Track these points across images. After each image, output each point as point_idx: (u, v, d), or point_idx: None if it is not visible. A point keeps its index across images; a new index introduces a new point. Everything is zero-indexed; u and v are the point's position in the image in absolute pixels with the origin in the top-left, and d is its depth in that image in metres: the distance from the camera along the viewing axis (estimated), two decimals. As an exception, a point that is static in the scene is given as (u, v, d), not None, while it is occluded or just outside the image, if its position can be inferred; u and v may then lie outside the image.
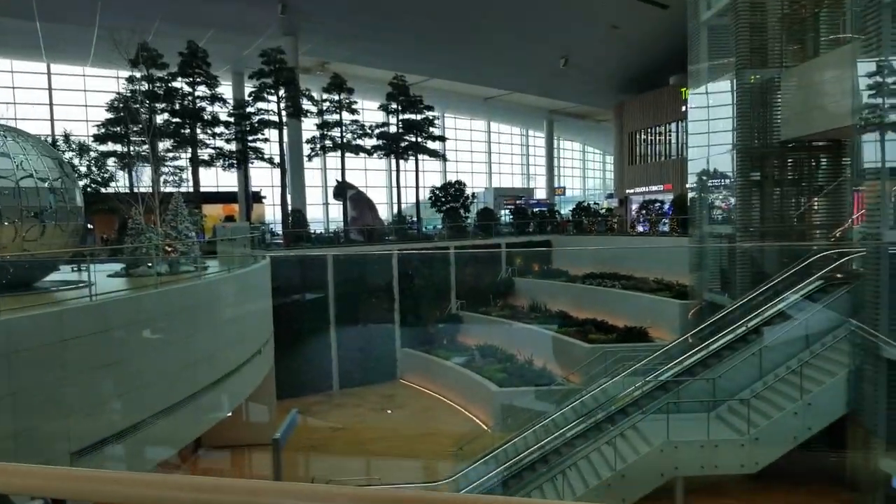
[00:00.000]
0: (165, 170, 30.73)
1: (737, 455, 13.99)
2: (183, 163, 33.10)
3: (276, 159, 36.42)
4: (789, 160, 19.67)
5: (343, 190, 37.78)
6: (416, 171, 39.30)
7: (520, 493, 16.27)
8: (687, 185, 26.93)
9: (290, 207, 39.16)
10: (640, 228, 38.38)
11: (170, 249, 17.91)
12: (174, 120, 32.43)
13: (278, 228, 38.48)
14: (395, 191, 41.28)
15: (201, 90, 33.31)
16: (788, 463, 17.19)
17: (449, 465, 20.42)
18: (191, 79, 32.68)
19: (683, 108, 35.57)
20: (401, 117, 38.40)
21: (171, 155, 32.22)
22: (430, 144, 38.71)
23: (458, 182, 39.31)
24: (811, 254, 17.22)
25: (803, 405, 13.87)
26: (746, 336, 16.77)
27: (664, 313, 24.40)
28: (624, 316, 26.19)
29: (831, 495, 16.39)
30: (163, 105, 31.97)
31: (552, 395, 21.36)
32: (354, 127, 37.49)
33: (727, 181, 20.92)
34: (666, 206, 36.50)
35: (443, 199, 38.74)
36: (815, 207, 19.67)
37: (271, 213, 42.57)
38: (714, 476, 14.97)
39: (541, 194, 63.90)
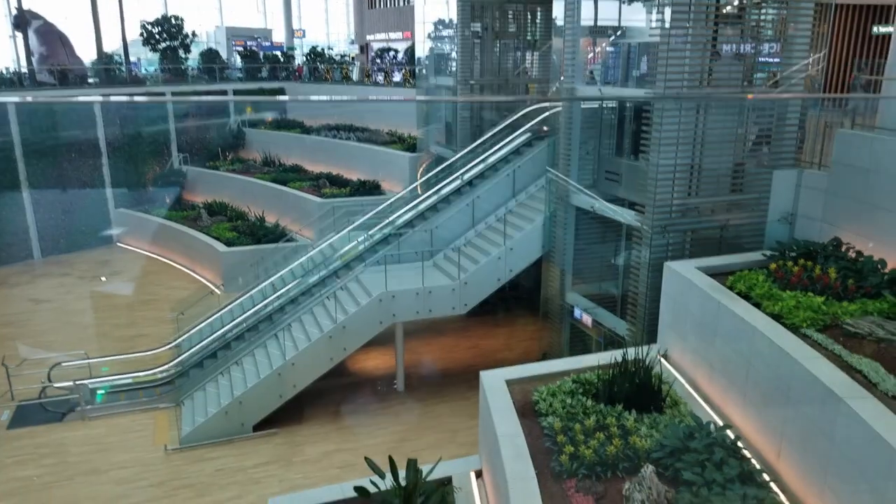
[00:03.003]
0: None
1: (449, 299, 14.91)
2: None
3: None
4: (509, 13, 20.03)
5: (24, 20, 30.72)
6: (121, -1, 33.27)
7: (243, 352, 15.84)
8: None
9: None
10: (378, 78, 37.62)
11: None
12: None
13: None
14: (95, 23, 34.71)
15: None
16: (495, 299, 19.06)
17: (170, 330, 19.21)
18: None
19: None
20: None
21: None
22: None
23: (175, 17, 34.23)
24: (523, 107, 18.14)
25: (506, 250, 15.03)
26: (462, 188, 17.51)
27: (396, 166, 24.59)
28: (358, 169, 25.95)
29: (528, 324, 18.72)
30: None
31: (283, 252, 20.76)
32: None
33: (451, 32, 20.80)
34: (400, 56, 35.89)
35: (157, 37, 33.63)
36: (531, 62, 20.59)
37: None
38: (430, 319, 15.98)
39: (280, 37, 59.09)
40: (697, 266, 10.37)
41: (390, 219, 17.64)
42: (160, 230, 26.77)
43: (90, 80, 32.60)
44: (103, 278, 25.33)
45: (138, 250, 28.05)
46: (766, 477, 7.39)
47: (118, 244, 29.21)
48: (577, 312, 14.50)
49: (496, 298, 19.59)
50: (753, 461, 7.73)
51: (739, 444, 7.80)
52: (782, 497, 7.21)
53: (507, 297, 20.37)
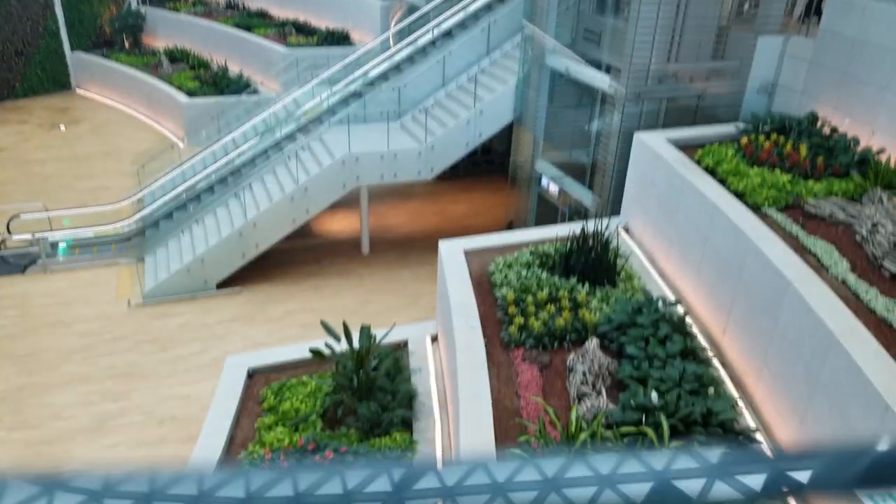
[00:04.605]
0: None
1: (415, 163, 14.48)
2: None
3: None
4: None
5: None
6: None
7: (206, 208, 15.54)
8: None
9: None
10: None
11: None
12: None
13: None
14: None
15: None
16: (466, 164, 18.66)
17: (132, 183, 18.69)
18: None
19: None
20: None
21: None
22: None
23: None
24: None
25: (476, 113, 14.39)
26: (434, 42, 16.43)
27: (367, 14, 22.92)
28: (327, 16, 24.21)
29: (498, 191, 18.45)
30: None
31: (246, 105, 19.79)
32: None
33: None
34: None
35: None
36: None
37: None
38: (397, 183, 15.61)
39: None
40: (668, 138, 10.01)
41: (356, 74, 16.68)
42: (120, 77, 25.33)
43: None
44: (62, 127, 24.25)
45: (98, 98, 26.71)
46: (709, 353, 7.54)
47: (77, 90, 27.77)
48: (543, 181, 14.21)
49: (467, 163, 19.17)
50: (699, 337, 7.86)
51: (688, 319, 7.89)
52: (722, 372, 7.41)
53: (479, 161, 19.95)
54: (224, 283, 14.47)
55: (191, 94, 21.82)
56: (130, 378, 11.71)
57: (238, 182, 15.73)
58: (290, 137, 16.17)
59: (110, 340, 12.73)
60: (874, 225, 7.32)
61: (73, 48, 27.51)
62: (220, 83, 22.12)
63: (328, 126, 15.17)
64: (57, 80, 27.53)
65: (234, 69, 23.13)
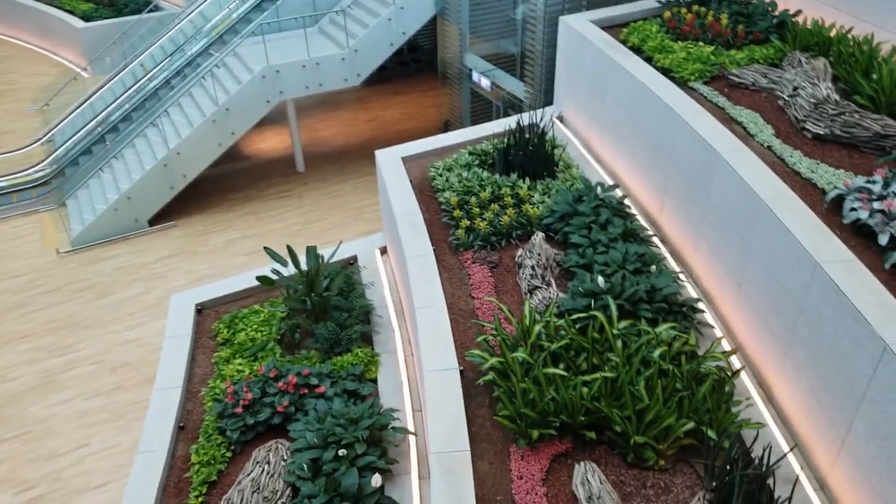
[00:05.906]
0: None
1: (339, 70, 13.87)
2: None
3: None
4: None
5: None
6: None
7: (124, 143, 14.71)
8: None
9: None
10: None
11: None
12: None
13: None
14: None
15: None
16: (394, 64, 18.07)
17: (39, 123, 17.50)
18: None
19: None
20: None
21: None
22: None
23: None
24: None
25: (396, 10, 13.73)
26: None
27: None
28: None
29: (430, 90, 18.04)
30: None
31: (149, 24, 18.38)
32: None
33: None
34: None
35: None
36: None
37: None
38: (323, 93, 15.02)
39: None
40: (592, 19, 9.81)
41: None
42: (2, 5, 23.03)
43: None
44: (-53, 69, 22.17)
45: (-19, 32, 24.37)
46: (648, 232, 7.78)
47: (-46, 26, 25.20)
48: (474, 76, 13.88)
49: (395, 64, 18.57)
50: (639, 218, 8.08)
51: (626, 202, 8.06)
52: (662, 248, 7.69)
53: (406, 61, 19.33)
54: (156, 219, 13.96)
55: (87, 17, 20.18)
56: (73, 329, 11.38)
57: (154, 109, 14.84)
58: (203, 55, 15.21)
59: (45, 293, 12.24)
60: (795, 88, 7.48)
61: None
62: (116, 2, 20.41)
63: (241, 39, 14.26)
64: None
65: (129, -15, 21.28)
